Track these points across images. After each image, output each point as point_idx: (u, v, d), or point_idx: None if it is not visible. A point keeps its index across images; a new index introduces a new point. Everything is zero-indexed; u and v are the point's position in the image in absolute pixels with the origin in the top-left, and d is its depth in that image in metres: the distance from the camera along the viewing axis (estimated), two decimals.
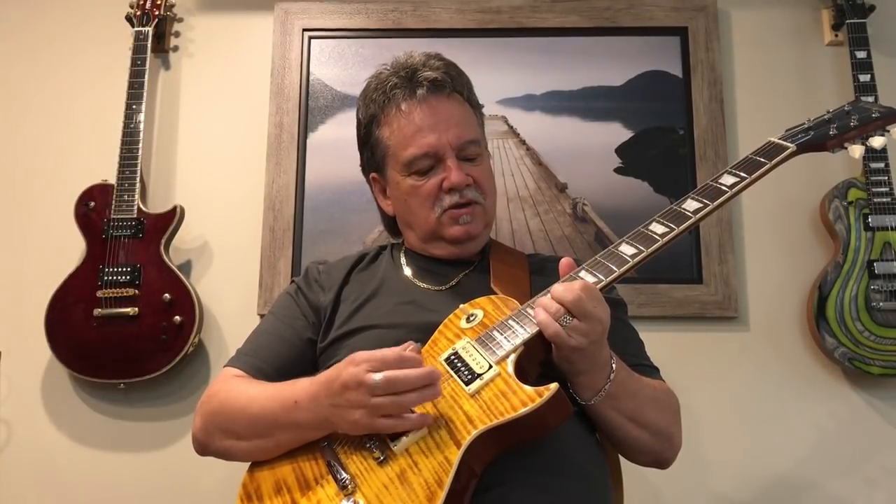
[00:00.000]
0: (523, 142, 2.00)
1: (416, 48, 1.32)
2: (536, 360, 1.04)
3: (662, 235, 1.06)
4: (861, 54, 1.87)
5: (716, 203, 1.07)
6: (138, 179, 1.88)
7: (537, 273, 1.28)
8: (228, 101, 2.07)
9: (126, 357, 1.80)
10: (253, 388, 1.14)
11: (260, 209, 1.96)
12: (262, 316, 1.83)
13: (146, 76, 1.94)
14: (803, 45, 2.04)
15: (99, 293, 1.81)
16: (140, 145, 1.90)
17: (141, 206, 1.88)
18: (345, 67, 2.05)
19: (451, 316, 1.14)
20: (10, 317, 1.94)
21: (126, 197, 1.87)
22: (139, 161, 1.89)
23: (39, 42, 2.13)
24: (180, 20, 2.12)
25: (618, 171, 1.97)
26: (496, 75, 2.02)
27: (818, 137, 1.13)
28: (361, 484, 0.97)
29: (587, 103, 2.01)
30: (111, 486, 1.85)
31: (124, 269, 1.83)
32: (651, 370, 1.22)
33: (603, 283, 1.04)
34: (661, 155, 1.97)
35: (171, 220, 1.89)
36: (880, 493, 1.79)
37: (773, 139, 1.14)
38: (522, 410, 0.93)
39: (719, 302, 1.86)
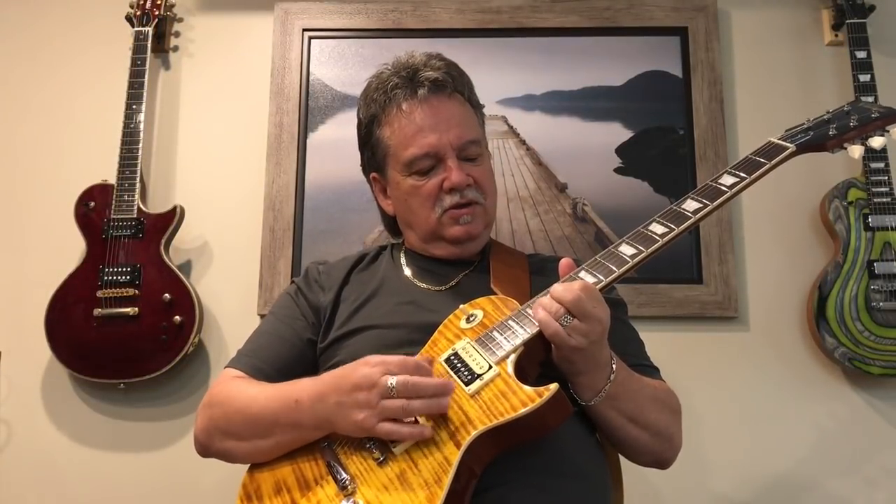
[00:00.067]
0: (523, 142, 1.99)
1: (417, 48, 1.32)
2: (536, 361, 1.04)
3: (662, 236, 1.06)
4: (861, 54, 1.87)
5: (715, 203, 1.07)
6: (138, 179, 1.88)
7: (537, 273, 1.28)
8: (228, 101, 2.07)
9: (126, 357, 1.80)
10: (253, 388, 1.14)
11: (260, 209, 1.96)
12: (262, 316, 1.84)
13: (146, 76, 1.94)
14: (803, 45, 2.04)
15: (99, 293, 1.81)
16: (140, 145, 1.90)
17: (141, 206, 1.88)
18: (345, 67, 2.05)
19: (450, 316, 1.13)
20: (10, 317, 1.94)
21: (126, 197, 1.87)
22: (139, 161, 1.89)
23: (39, 42, 2.13)
24: (180, 20, 2.12)
25: (618, 171, 1.96)
26: (496, 75, 2.02)
27: (818, 138, 1.13)
28: (361, 484, 0.97)
29: (587, 103, 2.01)
30: (111, 486, 1.85)
31: (124, 269, 1.83)
32: (651, 370, 1.22)
33: (603, 283, 1.04)
34: (661, 155, 1.97)
35: (171, 220, 1.89)
36: (880, 493, 1.79)
37: (772, 139, 1.14)
38: (522, 411, 0.93)
39: (719, 302, 1.86)
